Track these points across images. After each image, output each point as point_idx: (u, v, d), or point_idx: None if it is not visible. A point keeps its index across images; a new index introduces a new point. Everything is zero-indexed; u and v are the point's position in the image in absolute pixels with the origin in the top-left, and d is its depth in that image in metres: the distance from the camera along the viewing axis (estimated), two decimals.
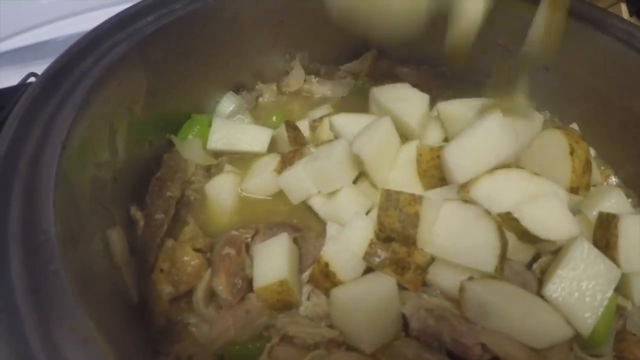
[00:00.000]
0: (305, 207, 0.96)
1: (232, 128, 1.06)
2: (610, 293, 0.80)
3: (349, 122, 1.02)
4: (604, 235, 0.87)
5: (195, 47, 1.02)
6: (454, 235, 0.83)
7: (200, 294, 0.82)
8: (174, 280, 0.83)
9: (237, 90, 1.18)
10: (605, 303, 0.80)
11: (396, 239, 0.84)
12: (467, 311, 0.77)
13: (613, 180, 1.11)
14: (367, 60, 1.24)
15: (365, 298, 0.77)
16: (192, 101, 1.06)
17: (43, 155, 0.70)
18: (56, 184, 0.68)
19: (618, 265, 0.84)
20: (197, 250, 0.85)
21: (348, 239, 0.84)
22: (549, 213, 0.84)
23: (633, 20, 1.34)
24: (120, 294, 0.81)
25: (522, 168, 0.91)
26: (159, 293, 0.83)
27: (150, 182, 0.96)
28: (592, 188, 0.96)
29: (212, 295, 0.83)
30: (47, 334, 0.55)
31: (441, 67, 1.24)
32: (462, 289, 0.78)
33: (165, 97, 0.99)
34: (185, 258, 0.84)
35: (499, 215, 0.82)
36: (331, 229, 0.89)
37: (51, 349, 0.54)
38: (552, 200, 0.84)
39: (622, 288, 0.84)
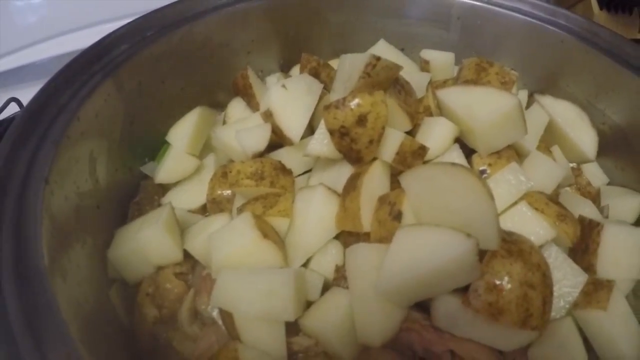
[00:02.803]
0: None
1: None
2: (574, 296, 0.91)
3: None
4: (584, 239, 0.96)
5: (169, 72, 1.11)
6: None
7: (184, 313, 0.92)
8: (157, 305, 0.92)
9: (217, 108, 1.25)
10: (568, 306, 0.91)
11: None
12: (437, 320, 0.85)
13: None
14: None
15: (333, 312, 0.86)
16: (169, 125, 1.15)
17: (28, 192, 0.79)
18: (42, 220, 0.77)
19: (594, 271, 0.94)
20: (179, 275, 0.95)
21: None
22: (520, 220, 0.92)
23: (603, 13, 1.44)
24: (111, 319, 0.91)
25: None
26: (144, 316, 0.92)
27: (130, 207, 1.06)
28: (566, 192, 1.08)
29: (195, 313, 0.93)
30: None
31: None
32: (432, 299, 0.85)
33: (143, 123, 1.08)
34: (168, 285, 0.93)
35: None
36: None
37: None
38: (522, 207, 0.93)
39: None
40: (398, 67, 0.93)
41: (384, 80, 0.92)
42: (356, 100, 0.88)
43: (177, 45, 1.10)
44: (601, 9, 1.46)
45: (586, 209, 1.03)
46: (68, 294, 0.80)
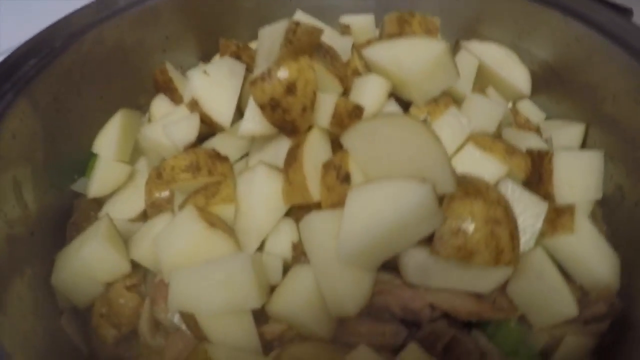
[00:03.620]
0: None
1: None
2: (539, 226, 0.86)
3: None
4: (536, 170, 0.93)
5: (84, 81, 1.01)
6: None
7: (144, 326, 0.82)
8: (114, 323, 0.83)
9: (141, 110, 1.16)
10: (535, 236, 0.86)
11: None
12: (409, 276, 0.79)
13: None
14: None
15: (299, 292, 0.78)
16: (94, 136, 1.04)
17: None
18: None
19: (553, 199, 0.90)
20: (131, 287, 0.85)
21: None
22: (470, 162, 0.88)
23: None
24: (67, 349, 0.82)
25: None
26: (103, 338, 0.83)
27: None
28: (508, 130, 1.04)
29: (157, 324, 0.83)
30: None
31: None
32: (399, 256, 0.79)
33: (65, 139, 0.98)
34: (121, 300, 0.84)
35: None
36: None
37: None
38: (469, 149, 0.89)
39: None
40: (319, 30, 0.87)
41: (306, 46, 0.85)
42: (282, 69, 0.81)
43: (88, 53, 1.00)
44: None
45: (532, 141, 0.99)
46: (11, 328, 0.71)
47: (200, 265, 0.76)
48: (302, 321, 0.77)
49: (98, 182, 0.97)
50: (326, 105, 0.84)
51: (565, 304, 0.80)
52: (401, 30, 0.99)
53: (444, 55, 0.88)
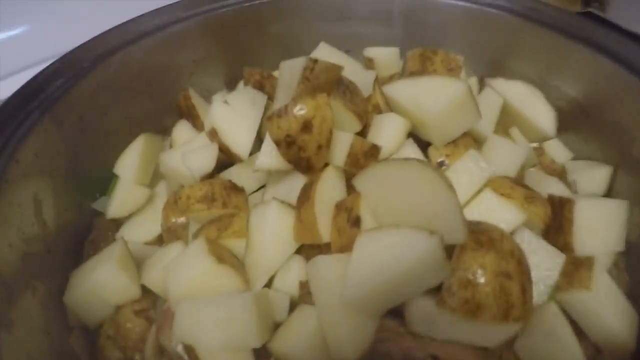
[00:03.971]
0: None
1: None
2: (554, 279, 0.82)
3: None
4: (556, 218, 0.88)
5: (110, 102, 1.02)
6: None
7: (149, 351, 0.82)
8: (120, 346, 0.83)
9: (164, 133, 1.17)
10: (549, 290, 0.82)
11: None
12: (414, 325, 0.76)
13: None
14: None
15: (302, 332, 0.77)
16: (117, 157, 1.05)
17: None
18: None
19: (572, 249, 0.86)
20: (139, 312, 0.85)
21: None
22: (487, 208, 0.85)
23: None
24: None
25: None
26: (108, 359, 0.83)
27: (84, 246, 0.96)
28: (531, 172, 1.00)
29: (161, 351, 0.83)
30: None
31: None
32: (405, 304, 0.77)
33: (88, 158, 0.99)
34: (129, 325, 0.84)
35: None
36: None
37: None
38: (486, 195, 0.85)
39: None
40: (338, 68, 0.85)
41: (325, 83, 0.84)
42: (298, 106, 0.79)
43: (114, 74, 1.01)
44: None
45: (554, 187, 0.94)
46: (15, 346, 0.71)
47: (205, 300, 0.76)
48: None
49: (117, 204, 0.98)
50: (342, 144, 0.83)
51: None
52: (423, 67, 0.97)
53: (464, 96, 0.85)
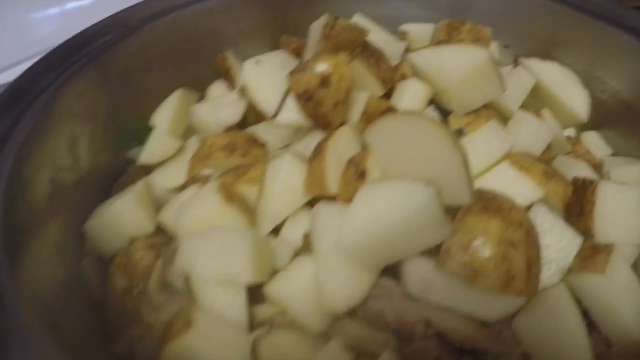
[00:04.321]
0: None
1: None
2: (568, 262, 0.78)
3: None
4: (579, 201, 0.84)
5: (155, 61, 1.08)
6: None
7: (153, 283, 0.85)
8: (128, 275, 0.87)
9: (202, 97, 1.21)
10: (562, 273, 0.78)
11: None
12: (410, 286, 0.75)
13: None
14: None
15: (299, 279, 0.77)
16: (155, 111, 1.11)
17: (1, 154, 0.78)
18: (10, 179, 0.76)
19: (593, 236, 0.81)
20: (151, 246, 0.89)
21: None
22: (503, 181, 0.82)
23: None
24: (80, 289, 0.86)
25: None
26: (114, 286, 0.87)
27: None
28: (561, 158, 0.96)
29: (165, 285, 0.86)
30: None
31: None
32: (403, 263, 0.75)
33: (129, 109, 1.05)
34: (139, 255, 0.87)
35: None
36: None
37: None
38: (504, 167, 0.83)
39: None
40: (361, 30, 0.87)
41: (346, 42, 0.86)
42: (318, 62, 0.82)
43: (162, 36, 1.07)
44: None
45: (581, 171, 0.90)
46: (32, 264, 0.76)
47: (206, 232, 0.78)
48: (295, 309, 0.75)
49: (149, 151, 1.03)
50: (358, 103, 0.84)
51: (578, 352, 0.72)
52: (450, 37, 0.97)
53: (485, 64, 0.84)
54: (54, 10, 1.47)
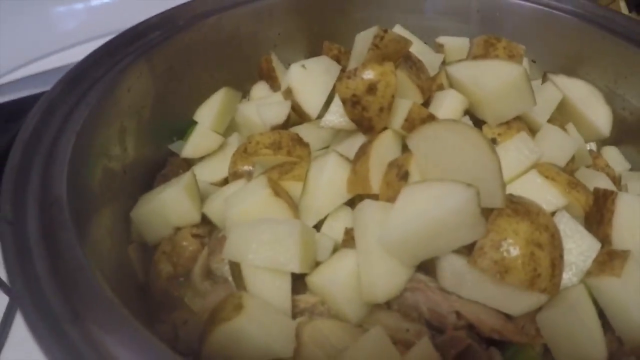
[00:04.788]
0: None
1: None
2: (586, 266, 0.87)
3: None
4: (599, 210, 0.93)
5: (199, 58, 1.18)
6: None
7: (197, 270, 0.94)
8: (173, 262, 0.96)
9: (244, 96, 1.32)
10: (580, 275, 0.87)
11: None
12: (443, 281, 0.84)
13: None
14: None
15: (339, 271, 0.85)
16: (197, 107, 1.20)
17: (60, 140, 0.87)
18: (70, 165, 0.84)
19: (611, 242, 0.91)
20: (196, 236, 0.98)
21: None
22: (530, 188, 0.91)
23: (633, 15, 1.45)
24: (127, 272, 0.95)
25: None
26: (159, 272, 0.96)
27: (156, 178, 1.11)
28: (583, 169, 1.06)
29: (208, 272, 0.95)
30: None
31: None
32: (438, 259, 0.84)
33: (172, 104, 1.15)
34: (184, 243, 0.97)
35: None
36: None
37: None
38: (531, 175, 0.93)
39: None
40: (407, 41, 0.97)
41: (393, 53, 0.95)
42: (367, 70, 0.91)
43: (206, 35, 1.17)
44: (630, 11, 1.46)
45: (602, 182, 1.01)
46: (91, 243, 0.83)
47: (255, 222, 0.86)
48: (335, 298, 0.84)
49: (192, 145, 1.13)
50: (401, 109, 0.94)
51: (594, 348, 0.80)
52: (486, 52, 1.07)
53: (520, 79, 0.93)
54: (78, 5, 1.54)
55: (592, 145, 1.19)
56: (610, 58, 1.15)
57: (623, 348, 0.85)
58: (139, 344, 0.64)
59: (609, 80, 1.17)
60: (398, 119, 0.94)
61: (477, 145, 0.80)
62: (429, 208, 0.77)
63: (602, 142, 1.21)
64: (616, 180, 1.10)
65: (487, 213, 0.80)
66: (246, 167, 1.05)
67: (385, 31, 0.93)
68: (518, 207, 0.81)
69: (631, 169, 1.14)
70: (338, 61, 1.15)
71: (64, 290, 0.67)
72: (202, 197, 1.03)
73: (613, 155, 1.15)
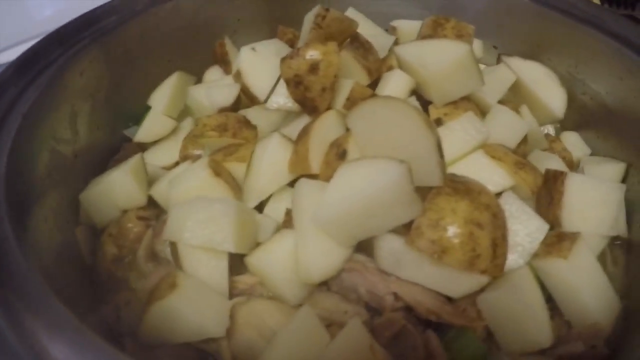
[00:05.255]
0: None
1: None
2: (532, 248, 0.88)
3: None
4: (549, 191, 0.94)
5: (155, 44, 1.21)
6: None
7: (142, 252, 0.96)
8: (118, 244, 0.98)
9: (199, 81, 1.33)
10: (525, 257, 0.87)
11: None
12: (381, 261, 0.84)
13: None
14: None
15: (278, 251, 0.87)
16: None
17: (5, 122, 0.89)
18: (12, 147, 0.86)
19: (560, 225, 0.92)
20: (141, 218, 1.00)
21: None
22: (476, 168, 0.92)
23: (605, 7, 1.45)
24: (73, 254, 0.97)
25: None
26: (105, 253, 0.98)
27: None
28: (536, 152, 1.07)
29: (153, 254, 0.97)
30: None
31: None
32: (375, 239, 0.84)
33: (128, 89, 1.18)
34: (129, 225, 0.99)
35: None
36: None
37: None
38: (478, 155, 0.94)
39: None
40: (352, 22, 0.99)
41: (336, 33, 0.98)
42: (309, 50, 0.93)
43: (163, 20, 1.20)
44: (602, 3, 1.47)
45: (554, 164, 1.01)
46: (34, 227, 0.86)
47: (192, 201, 0.88)
48: (274, 279, 0.85)
49: (144, 130, 1.16)
50: (344, 89, 0.95)
51: (539, 331, 0.81)
52: (434, 32, 1.08)
53: (465, 57, 0.95)
54: None
55: (551, 130, 1.20)
56: (571, 43, 1.16)
57: (571, 332, 0.85)
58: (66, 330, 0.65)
59: (569, 65, 1.17)
60: (341, 98, 0.95)
61: (413, 122, 0.81)
62: (363, 186, 0.79)
63: (563, 127, 1.22)
64: (573, 164, 1.11)
65: (426, 192, 0.81)
66: (196, 151, 1.08)
67: (327, 10, 0.95)
68: (458, 185, 0.82)
69: (592, 154, 1.14)
70: (292, 45, 1.17)
71: None
72: (152, 181, 1.05)
73: (573, 141, 1.15)
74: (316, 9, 0.96)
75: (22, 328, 0.65)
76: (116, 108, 1.16)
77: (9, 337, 0.64)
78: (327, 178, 0.88)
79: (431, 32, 1.08)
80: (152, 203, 1.03)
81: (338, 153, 0.89)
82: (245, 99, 1.10)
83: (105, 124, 1.14)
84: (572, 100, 1.15)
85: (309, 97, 0.95)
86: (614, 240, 0.98)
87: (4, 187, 0.81)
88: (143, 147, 1.16)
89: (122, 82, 1.16)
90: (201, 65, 1.30)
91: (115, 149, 1.16)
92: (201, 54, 1.29)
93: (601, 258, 0.94)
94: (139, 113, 1.20)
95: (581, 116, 1.16)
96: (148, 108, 1.20)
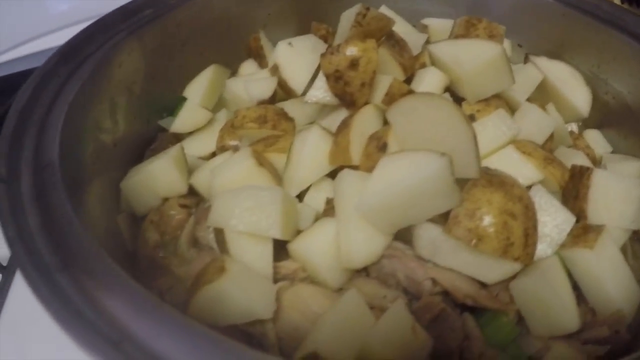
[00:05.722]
0: None
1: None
2: (560, 239, 0.95)
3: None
4: (575, 186, 1.01)
5: (189, 37, 1.27)
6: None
7: (184, 238, 1.02)
8: (160, 230, 1.04)
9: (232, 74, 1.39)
10: (554, 248, 0.94)
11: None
12: (419, 249, 0.91)
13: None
14: None
15: (319, 238, 0.93)
16: (187, 84, 1.30)
17: (53, 111, 0.95)
18: (62, 133, 0.92)
19: (586, 217, 0.98)
20: (183, 206, 1.07)
21: None
22: (507, 163, 0.99)
23: (625, 6, 1.53)
24: (116, 240, 1.03)
25: None
26: (146, 239, 1.04)
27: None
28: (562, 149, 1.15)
29: (194, 241, 1.03)
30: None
31: None
32: (414, 227, 0.91)
33: (163, 81, 1.24)
34: (172, 212, 1.05)
35: None
36: None
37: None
38: (509, 150, 1.01)
39: None
40: (389, 20, 1.06)
41: (375, 31, 1.05)
42: (349, 46, 1.00)
43: (197, 14, 1.27)
44: (622, 2, 1.55)
45: (580, 160, 1.08)
46: (86, 209, 0.93)
47: (238, 189, 0.94)
48: (316, 265, 0.91)
49: (181, 120, 1.22)
50: (382, 85, 1.02)
51: (567, 316, 0.87)
52: (467, 32, 1.16)
53: (498, 57, 1.02)
54: None
55: (574, 127, 1.28)
56: (594, 43, 1.23)
57: (596, 319, 0.92)
58: (122, 289, 0.71)
59: (592, 65, 1.25)
60: (379, 93, 1.02)
61: (453, 117, 0.88)
62: (405, 176, 0.85)
63: (585, 125, 1.30)
64: (596, 161, 1.19)
65: (462, 184, 0.87)
66: (233, 142, 1.14)
67: (368, 9, 1.02)
68: (493, 178, 0.89)
69: (612, 152, 1.23)
70: (325, 41, 1.24)
71: (54, 243, 0.75)
72: (190, 171, 1.11)
73: (595, 138, 1.24)
74: (357, 7, 1.03)
75: (81, 287, 0.70)
76: (151, 99, 1.22)
77: (70, 295, 0.69)
78: (368, 169, 0.95)
79: (464, 32, 1.16)
80: (192, 192, 1.09)
81: (378, 145, 0.96)
82: (282, 92, 1.17)
83: (141, 114, 1.20)
84: (594, 99, 1.23)
85: (349, 92, 1.02)
86: (634, 235, 1.05)
87: (60, 172, 0.86)
88: (179, 137, 1.23)
89: (157, 73, 1.22)
90: (233, 59, 1.37)
91: (150, 138, 1.23)
92: (233, 47, 1.36)
93: (622, 251, 0.99)
94: (173, 104, 1.26)
95: (603, 115, 1.24)
96: (183, 99, 1.26)
